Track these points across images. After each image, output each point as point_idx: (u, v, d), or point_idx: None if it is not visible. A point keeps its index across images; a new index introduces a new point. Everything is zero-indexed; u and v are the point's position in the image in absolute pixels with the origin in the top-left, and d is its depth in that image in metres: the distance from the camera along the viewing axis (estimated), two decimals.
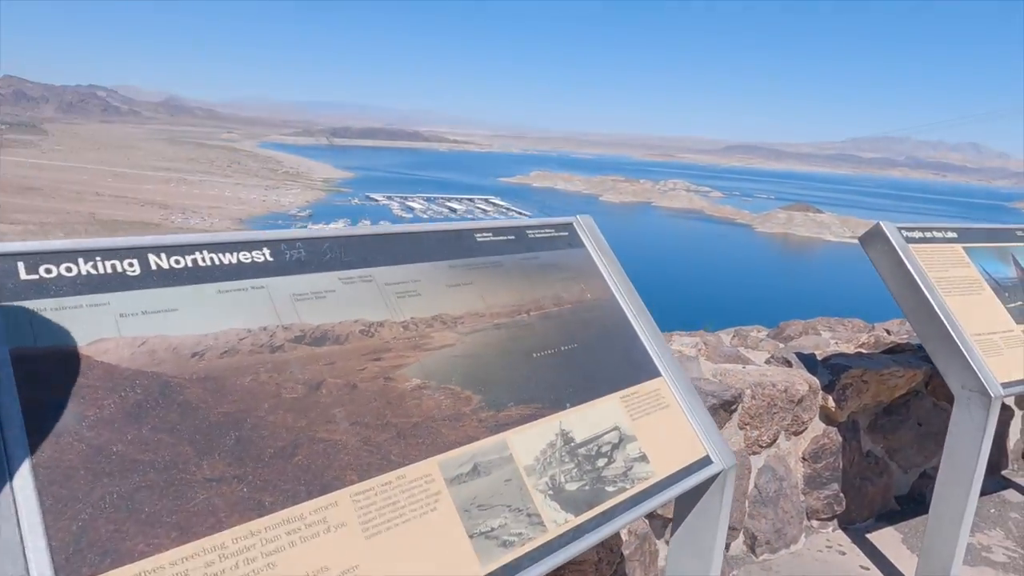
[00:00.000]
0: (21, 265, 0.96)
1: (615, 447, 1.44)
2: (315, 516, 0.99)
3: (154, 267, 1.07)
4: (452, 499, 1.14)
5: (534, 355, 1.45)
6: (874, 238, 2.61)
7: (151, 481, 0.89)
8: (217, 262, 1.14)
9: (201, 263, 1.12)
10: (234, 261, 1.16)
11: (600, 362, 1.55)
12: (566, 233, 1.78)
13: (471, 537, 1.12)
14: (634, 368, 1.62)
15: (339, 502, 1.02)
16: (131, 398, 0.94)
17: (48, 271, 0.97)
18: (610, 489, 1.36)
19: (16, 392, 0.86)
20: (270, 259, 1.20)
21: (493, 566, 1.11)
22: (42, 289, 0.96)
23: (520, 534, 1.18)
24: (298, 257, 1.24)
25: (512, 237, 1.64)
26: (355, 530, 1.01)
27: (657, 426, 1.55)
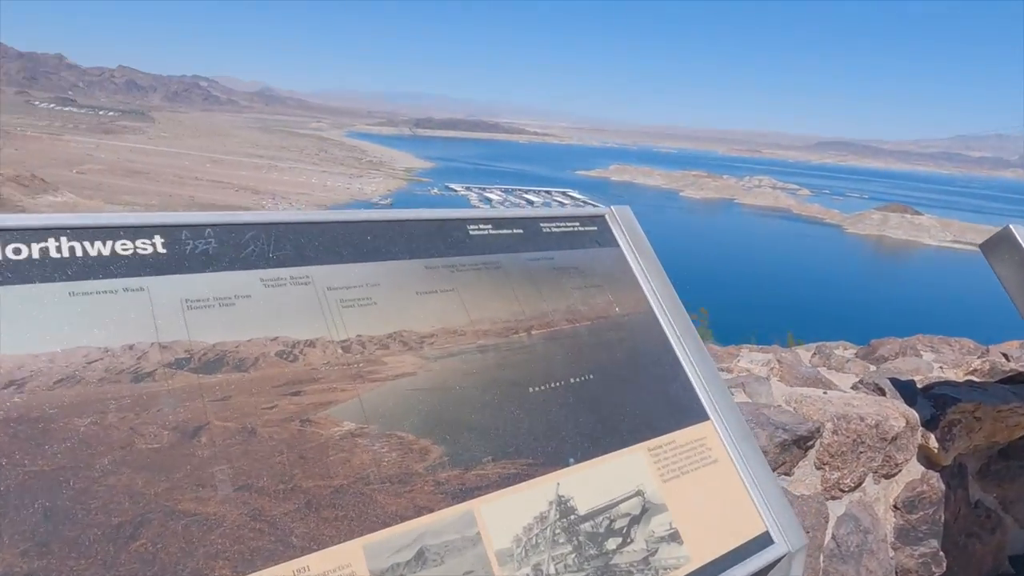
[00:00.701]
0: None
1: (634, 521, 1.06)
2: None
3: None
4: None
5: (531, 389, 1.08)
6: (1000, 243, 2.08)
7: None
8: (80, 253, 0.84)
9: (54, 253, 0.82)
10: (106, 252, 0.85)
11: (624, 400, 1.17)
12: (594, 228, 1.40)
13: None
14: (671, 408, 1.23)
15: None
16: None
17: None
18: None
19: None
20: (162, 251, 0.89)
21: None
22: None
23: None
24: (204, 249, 0.92)
25: (519, 231, 1.27)
26: None
27: (697, 490, 1.16)
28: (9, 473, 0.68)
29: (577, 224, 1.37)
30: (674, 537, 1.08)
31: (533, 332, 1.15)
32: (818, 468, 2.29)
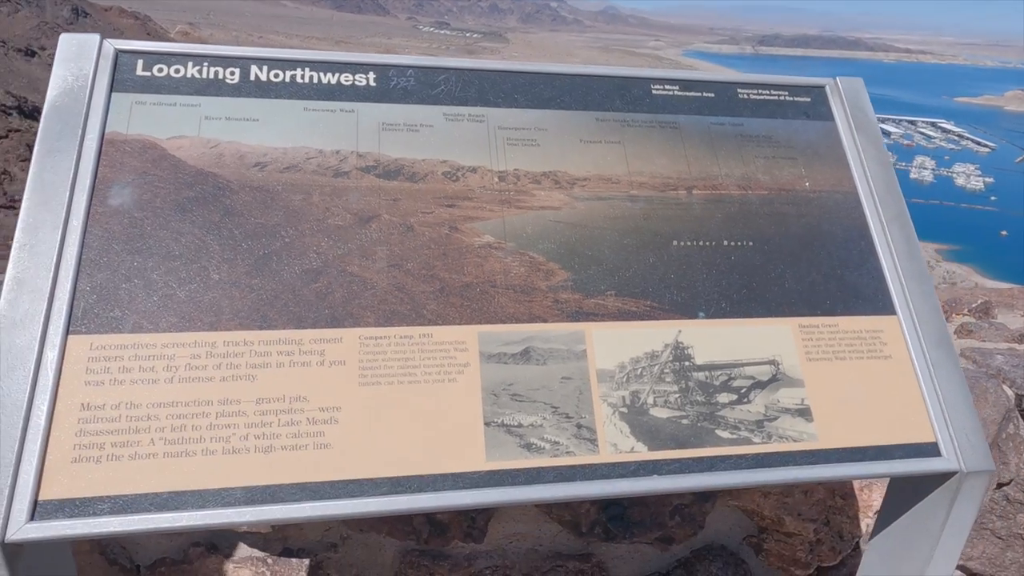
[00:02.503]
0: (140, 62, 1.06)
1: (758, 386, 1.04)
2: (314, 346, 0.94)
3: (252, 78, 1.09)
4: (481, 376, 0.97)
5: (674, 243, 1.11)
6: None
7: (172, 269, 0.94)
8: (316, 80, 1.11)
9: (299, 79, 1.11)
10: (333, 82, 1.12)
11: (783, 273, 1.12)
12: (807, 99, 1.29)
13: (487, 424, 0.94)
14: (845, 293, 1.13)
15: (344, 339, 0.95)
16: (184, 193, 0.99)
17: (160, 70, 1.07)
18: (723, 434, 1.00)
19: (94, 167, 0.97)
20: (372, 84, 1.13)
21: (500, 464, 0.92)
22: (150, 85, 1.05)
23: (556, 443, 0.95)
24: (405, 85, 1.14)
25: (709, 94, 1.25)
26: (351, 373, 0.93)
27: (851, 377, 1.07)
28: (247, 221, 0.99)
29: (785, 93, 1.28)
30: (803, 413, 1.04)
31: (694, 192, 1.15)
32: None
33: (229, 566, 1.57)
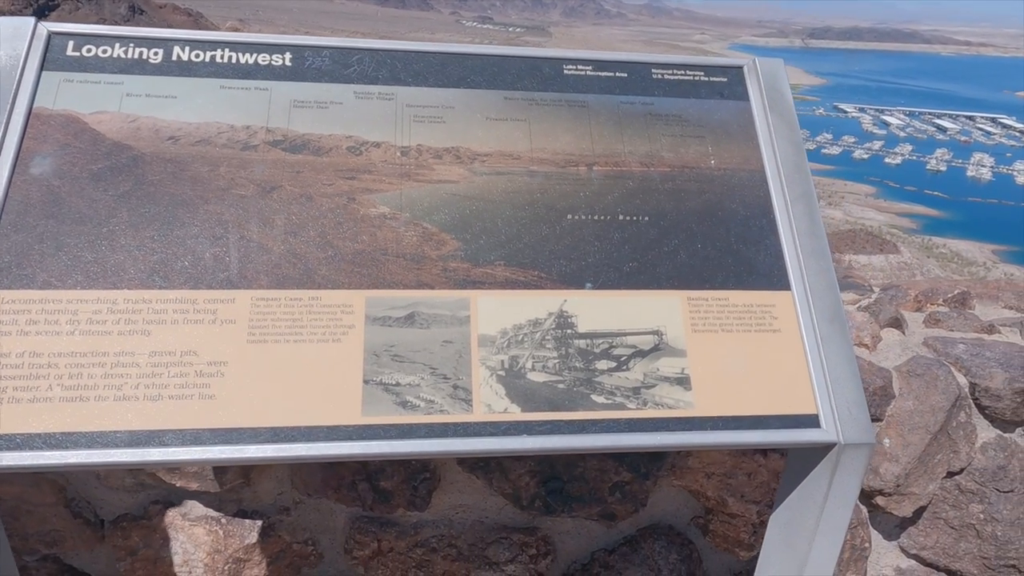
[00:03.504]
0: (71, 43, 1.15)
1: (639, 354, 1.07)
2: (208, 305, 1.01)
3: (175, 58, 1.17)
4: (364, 337, 1.02)
5: (568, 216, 1.14)
6: None
7: (82, 232, 1.03)
8: (235, 60, 1.18)
9: (219, 59, 1.18)
10: (251, 61, 1.18)
11: (676, 248, 1.15)
12: (723, 79, 1.30)
13: (366, 382, 1.00)
14: (739, 268, 1.15)
15: (237, 300, 1.02)
16: (101, 163, 1.08)
17: (88, 51, 1.15)
18: (598, 399, 1.03)
19: (19, 139, 1.06)
20: (288, 64, 1.19)
21: (374, 419, 0.98)
22: (79, 64, 1.14)
23: (431, 402, 1.00)
24: (319, 65, 1.20)
25: (622, 74, 1.28)
26: (241, 331, 1.00)
27: (735, 349, 1.09)
28: (157, 190, 1.07)
29: (700, 74, 1.30)
30: (681, 382, 1.06)
31: (595, 168, 1.19)
32: None
33: (184, 523, 1.67)
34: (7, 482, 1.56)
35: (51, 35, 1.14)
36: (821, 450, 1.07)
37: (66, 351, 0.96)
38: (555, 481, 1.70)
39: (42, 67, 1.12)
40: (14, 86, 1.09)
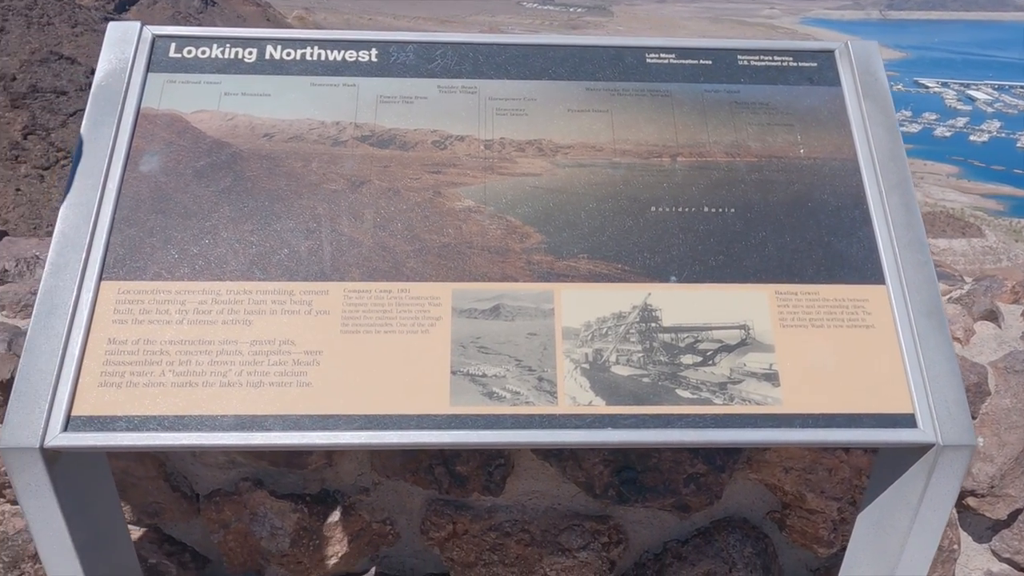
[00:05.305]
0: (173, 45, 1.21)
1: (725, 349, 1.06)
2: (304, 296, 1.05)
3: (268, 57, 1.21)
4: (452, 329, 1.05)
5: (652, 209, 1.13)
6: None
7: (188, 227, 1.08)
8: (324, 57, 1.22)
9: (309, 57, 1.22)
10: (339, 58, 1.22)
11: (764, 240, 1.12)
12: (814, 64, 1.26)
13: (453, 373, 1.02)
14: (831, 262, 1.11)
15: (331, 292, 1.06)
16: (203, 160, 1.13)
17: (189, 52, 1.21)
18: (683, 394, 1.03)
19: (130, 139, 1.13)
20: (374, 60, 1.22)
21: (462, 409, 1.00)
22: (180, 65, 1.20)
23: (516, 393, 1.02)
24: (404, 60, 1.22)
25: (708, 62, 1.25)
26: (334, 322, 1.04)
27: (826, 345, 1.07)
28: (254, 186, 1.12)
29: (789, 59, 1.26)
30: (769, 377, 1.05)
31: (679, 159, 1.17)
32: None
33: (272, 500, 1.75)
34: (117, 456, 1.67)
35: (155, 38, 1.20)
36: (917, 451, 1.04)
37: (175, 339, 1.02)
38: (629, 471, 1.70)
39: (148, 69, 1.18)
40: (123, 88, 1.15)
